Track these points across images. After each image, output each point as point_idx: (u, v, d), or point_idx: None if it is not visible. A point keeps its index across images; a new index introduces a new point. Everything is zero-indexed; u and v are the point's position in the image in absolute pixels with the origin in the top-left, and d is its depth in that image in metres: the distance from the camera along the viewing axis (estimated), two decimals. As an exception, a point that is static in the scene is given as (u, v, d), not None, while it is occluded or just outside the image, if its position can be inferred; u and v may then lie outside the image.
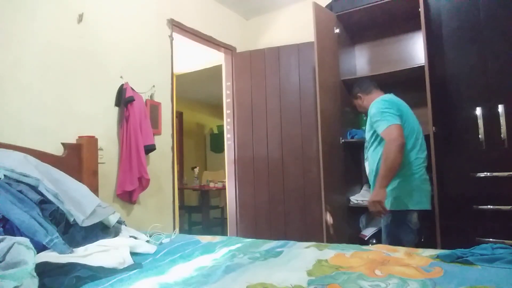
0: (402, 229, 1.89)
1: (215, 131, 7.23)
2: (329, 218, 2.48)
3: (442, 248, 1.91)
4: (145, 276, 1.06)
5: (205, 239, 1.59)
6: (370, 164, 2.08)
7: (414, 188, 1.92)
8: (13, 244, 0.95)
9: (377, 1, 2.57)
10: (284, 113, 3.28)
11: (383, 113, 1.92)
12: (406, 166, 1.91)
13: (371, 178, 2.07)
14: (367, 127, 2.09)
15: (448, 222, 2.16)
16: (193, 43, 3.22)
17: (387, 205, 1.88)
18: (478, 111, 2.12)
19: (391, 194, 1.91)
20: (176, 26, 2.89)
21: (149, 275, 1.07)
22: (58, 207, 1.38)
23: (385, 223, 1.96)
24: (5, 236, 1.02)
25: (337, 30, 2.78)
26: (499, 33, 2.10)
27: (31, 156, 1.62)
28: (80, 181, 1.76)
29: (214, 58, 3.70)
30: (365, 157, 2.18)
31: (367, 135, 2.10)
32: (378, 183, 1.84)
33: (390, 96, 2.06)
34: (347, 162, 2.81)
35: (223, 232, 4.81)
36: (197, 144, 7.18)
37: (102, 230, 1.54)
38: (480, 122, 2.10)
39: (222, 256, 1.28)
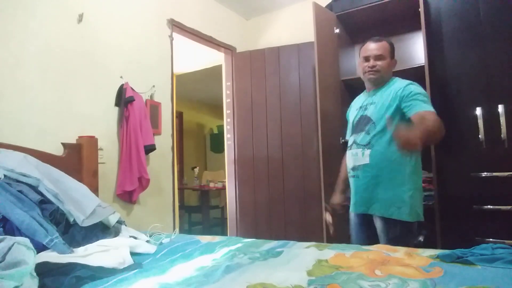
0: (409, 241, 1.69)
1: (215, 131, 7.23)
2: (328, 218, 2.47)
3: (442, 248, 1.91)
4: (145, 276, 1.06)
5: (205, 239, 1.59)
6: (376, 154, 1.75)
7: (421, 197, 1.78)
8: (13, 244, 0.95)
9: (377, 1, 2.58)
10: (284, 113, 3.28)
11: (429, 103, 1.68)
12: (418, 174, 1.78)
13: (369, 171, 1.76)
14: (386, 103, 1.75)
15: (448, 222, 2.16)
16: (193, 43, 3.22)
17: (403, 215, 1.69)
18: (478, 111, 2.12)
19: (408, 204, 1.69)
20: (176, 26, 2.89)
21: (149, 275, 1.07)
22: (58, 207, 1.38)
23: (392, 235, 1.70)
24: (5, 236, 1.02)
25: (337, 30, 2.78)
26: (499, 33, 2.10)
27: (31, 156, 1.62)
28: (80, 181, 1.76)
29: (214, 58, 3.70)
30: (364, 143, 1.80)
31: (383, 113, 1.74)
32: (418, 132, 1.44)
33: None
34: (347, 162, 2.80)
35: (223, 232, 4.81)
36: (197, 144, 7.18)
37: (102, 230, 1.53)
38: (480, 122, 2.10)
39: (222, 256, 1.28)
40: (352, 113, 2.02)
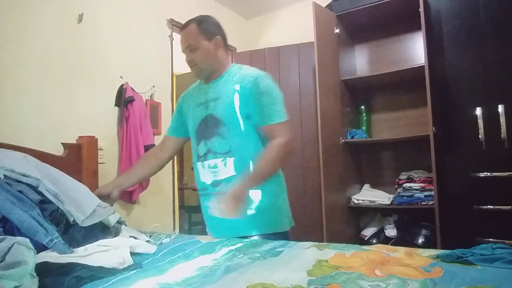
0: None
1: (215, 131, 7.22)
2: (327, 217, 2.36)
3: (442, 248, 1.91)
4: (145, 276, 1.06)
5: (205, 239, 1.59)
6: (240, 162, 1.45)
7: (287, 200, 1.62)
8: (13, 244, 0.95)
9: (377, 1, 2.58)
10: (284, 113, 3.28)
11: (281, 100, 1.44)
12: (280, 173, 1.57)
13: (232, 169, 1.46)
14: (231, 99, 1.44)
15: (448, 222, 2.16)
16: (193, 43, 3.22)
17: (285, 224, 1.59)
18: (478, 111, 2.12)
19: (283, 210, 1.60)
20: (176, 26, 2.88)
21: (149, 275, 1.07)
22: (58, 207, 1.38)
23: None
24: (5, 236, 1.01)
25: (337, 30, 2.79)
26: (499, 33, 2.10)
27: (31, 156, 1.62)
28: (80, 181, 1.75)
29: (214, 58, 3.70)
30: (223, 150, 1.46)
31: (232, 111, 1.44)
32: (253, 181, 1.37)
33: None
34: (347, 162, 2.81)
35: (223, 232, 4.80)
36: (197, 144, 7.17)
37: (102, 230, 1.53)
38: (480, 122, 2.10)
39: (222, 256, 1.28)
40: (193, 111, 1.60)
